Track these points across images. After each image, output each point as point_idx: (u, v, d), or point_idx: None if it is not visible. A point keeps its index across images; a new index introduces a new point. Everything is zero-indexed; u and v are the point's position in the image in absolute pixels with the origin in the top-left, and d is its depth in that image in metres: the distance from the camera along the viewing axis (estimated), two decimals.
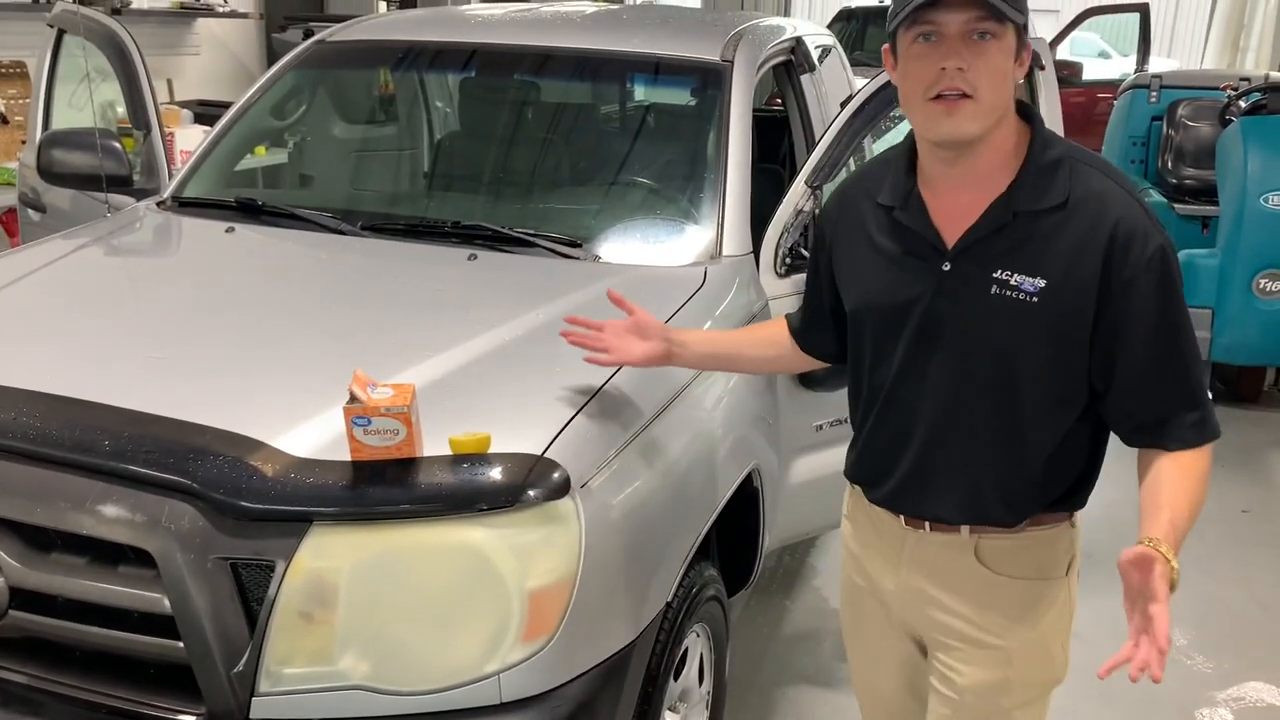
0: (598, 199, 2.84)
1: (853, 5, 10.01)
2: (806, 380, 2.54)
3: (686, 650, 2.10)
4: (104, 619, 1.63)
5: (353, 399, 1.58)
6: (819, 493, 2.59)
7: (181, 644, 1.57)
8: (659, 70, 2.96)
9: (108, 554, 1.63)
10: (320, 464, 1.62)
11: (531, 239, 2.47)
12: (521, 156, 3.04)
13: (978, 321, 1.53)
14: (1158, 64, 9.68)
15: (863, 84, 2.93)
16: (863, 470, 1.76)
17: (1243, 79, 5.46)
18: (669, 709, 2.05)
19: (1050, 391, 1.55)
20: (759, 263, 2.50)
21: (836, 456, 1.95)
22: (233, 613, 1.57)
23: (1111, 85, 7.94)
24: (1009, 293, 1.50)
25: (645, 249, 2.53)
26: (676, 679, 2.07)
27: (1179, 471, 1.51)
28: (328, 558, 1.57)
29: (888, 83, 2.69)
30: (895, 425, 1.66)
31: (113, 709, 1.62)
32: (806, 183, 2.55)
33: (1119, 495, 4.21)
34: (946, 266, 1.54)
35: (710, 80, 2.82)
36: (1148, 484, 1.54)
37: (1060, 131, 3.09)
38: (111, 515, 1.60)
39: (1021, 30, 1.46)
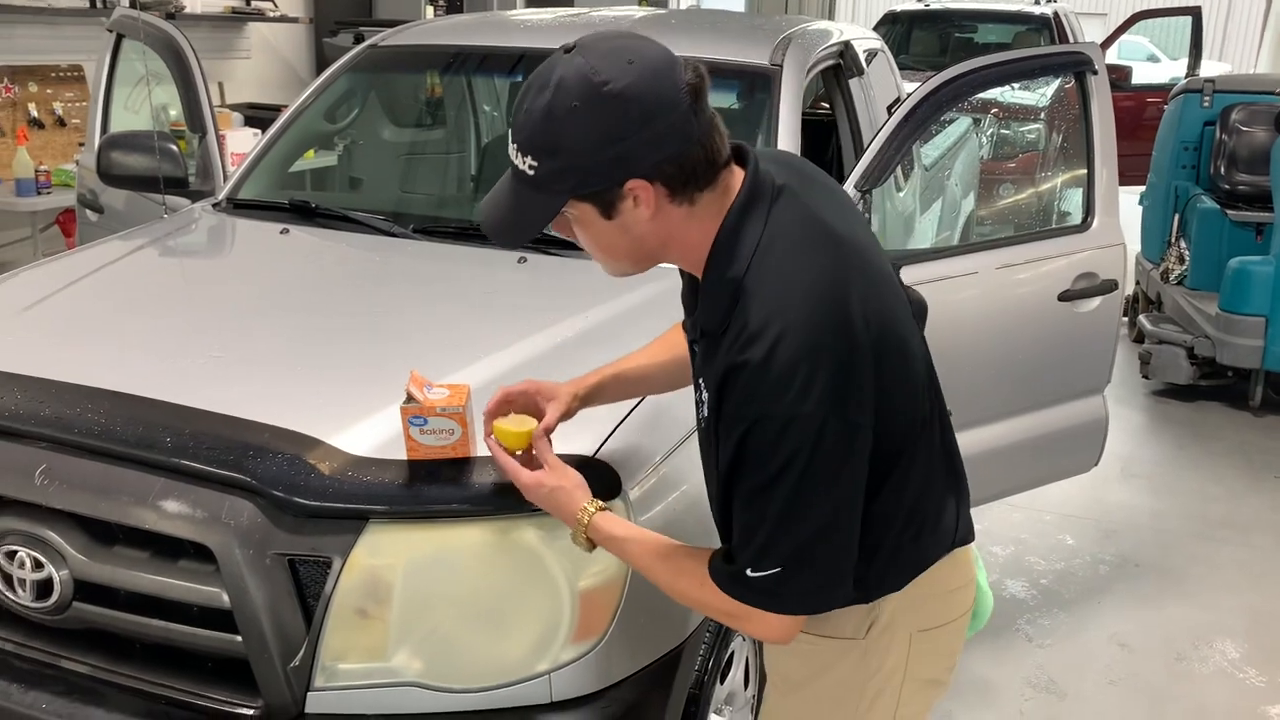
0: None
1: (898, 9, 9.96)
2: None
3: (732, 653, 2.10)
4: (164, 612, 1.67)
5: (409, 399, 1.59)
6: None
7: (239, 638, 1.60)
8: (712, 74, 2.95)
9: (168, 548, 1.66)
10: (377, 463, 1.64)
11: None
12: None
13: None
14: (1209, 67, 9.55)
15: (911, 88, 2.93)
16: None
17: None
18: (715, 712, 2.05)
19: (717, 501, 1.45)
20: None
21: None
22: (290, 608, 1.59)
23: (1161, 89, 7.85)
24: (702, 408, 1.40)
25: None
26: (723, 682, 2.07)
27: (689, 573, 1.40)
28: (383, 555, 1.59)
29: (938, 86, 2.69)
30: None
31: (172, 700, 1.65)
32: (856, 187, 2.55)
33: (1165, 505, 4.19)
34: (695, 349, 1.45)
35: (759, 84, 2.82)
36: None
37: (1112, 136, 3.08)
38: (172, 510, 1.63)
39: (603, 192, 1.26)
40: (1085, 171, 3.06)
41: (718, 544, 1.82)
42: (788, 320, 1.25)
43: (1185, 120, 5.72)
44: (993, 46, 9.04)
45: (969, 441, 2.86)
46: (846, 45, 3.34)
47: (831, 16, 11.38)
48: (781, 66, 2.83)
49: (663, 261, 1.38)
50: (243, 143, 4.86)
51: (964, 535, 1.53)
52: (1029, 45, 8.42)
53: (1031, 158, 4.09)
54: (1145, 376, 5.35)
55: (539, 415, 1.57)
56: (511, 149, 1.29)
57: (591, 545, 1.48)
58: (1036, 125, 4.03)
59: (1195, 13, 8.41)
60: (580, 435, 1.71)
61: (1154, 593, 3.55)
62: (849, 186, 2.54)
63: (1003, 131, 4.19)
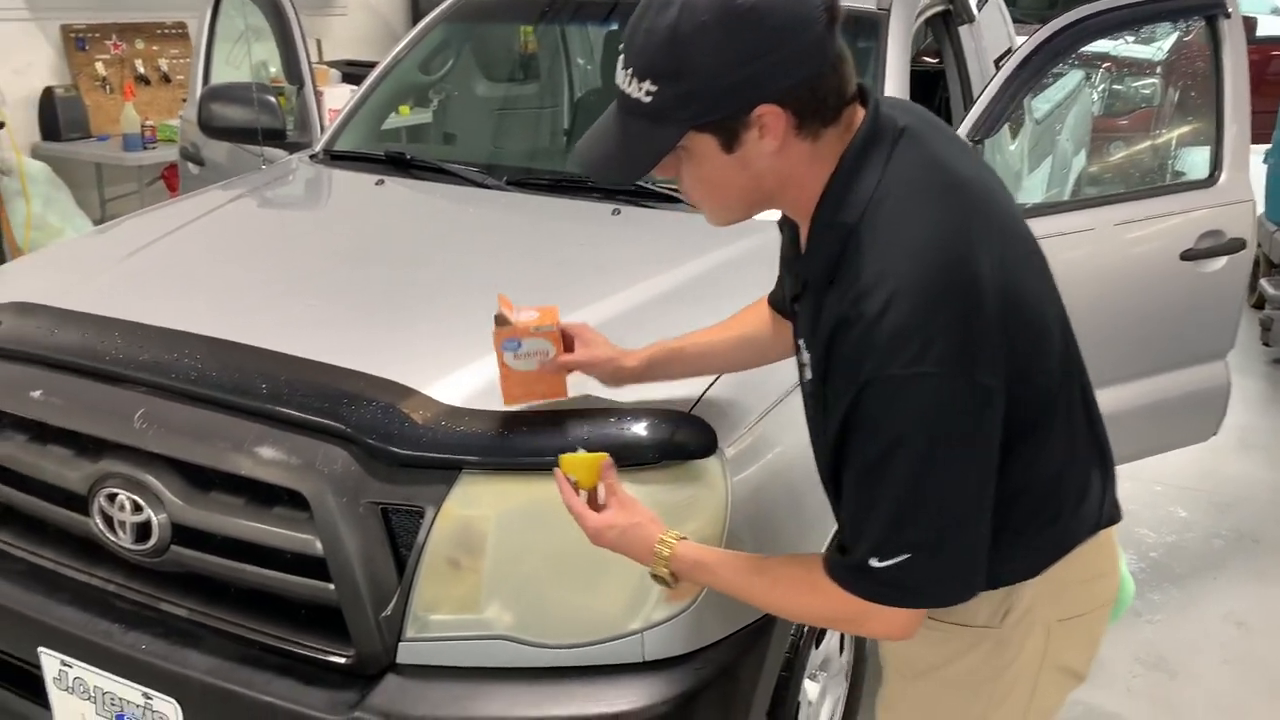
0: None
1: None
2: None
3: None
4: (259, 558, 1.67)
5: (500, 321, 1.56)
6: None
7: (332, 586, 1.60)
8: None
9: (263, 495, 1.66)
10: (470, 413, 1.61)
11: (675, 193, 2.42)
12: None
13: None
14: None
15: (1022, 40, 2.78)
16: None
17: None
18: (809, 677, 1.99)
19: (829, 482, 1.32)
20: None
21: None
22: (382, 557, 1.58)
23: None
24: (805, 369, 1.30)
25: None
26: (818, 646, 2.01)
27: (796, 581, 1.29)
28: (476, 506, 1.56)
29: (1056, 31, 2.54)
30: None
31: (265, 645, 1.66)
32: (967, 137, 2.43)
33: None
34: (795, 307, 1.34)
35: (865, 30, 2.71)
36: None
37: (1245, 85, 2.87)
38: (267, 457, 1.62)
39: (728, 120, 1.14)
40: (1213, 123, 2.88)
41: (810, 517, 1.76)
42: (906, 271, 1.13)
43: None
44: None
45: None
46: None
47: None
48: (889, 11, 2.70)
49: (774, 207, 1.27)
50: (340, 99, 4.85)
51: (1110, 515, 1.40)
52: None
53: (1146, 114, 3.86)
54: (1265, 344, 5.09)
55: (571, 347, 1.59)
56: (623, 75, 1.18)
57: (674, 579, 1.37)
58: (1152, 80, 3.82)
59: None
60: (675, 390, 1.65)
61: (1273, 569, 3.38)
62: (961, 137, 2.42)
63: (1115, 87, 3.98)
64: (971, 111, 2.47)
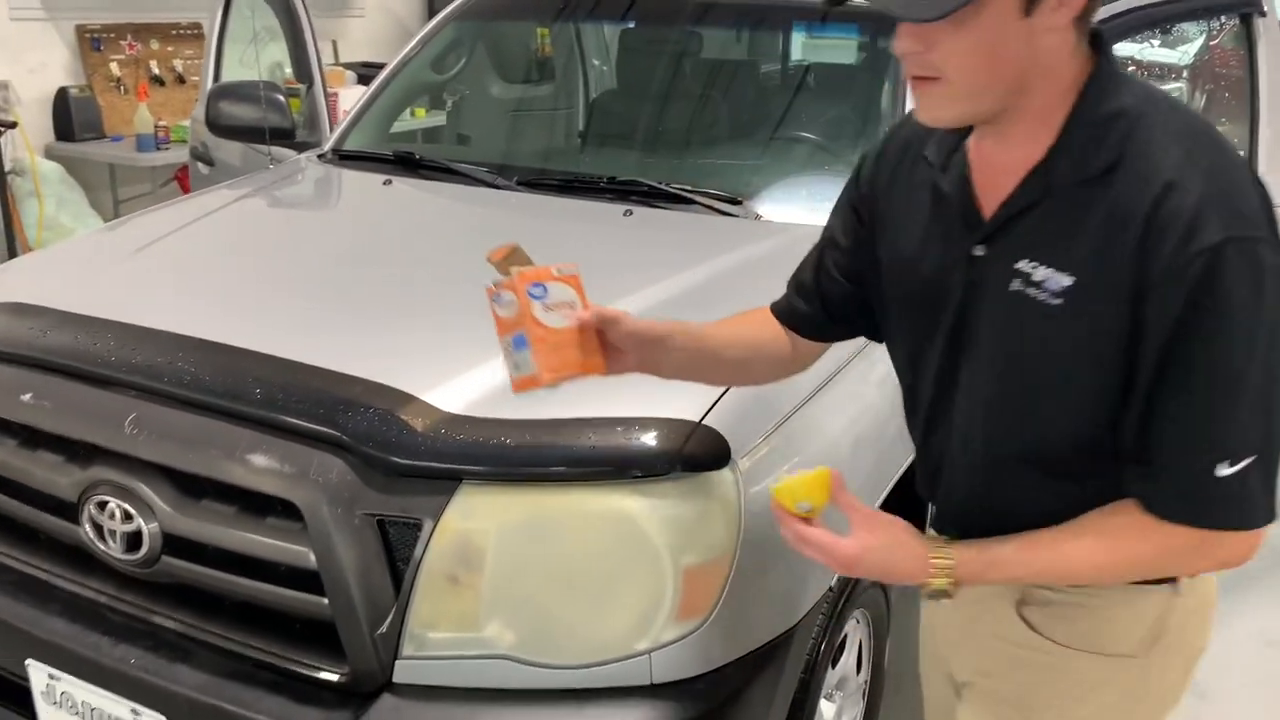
0: (759, 155, 2.69)
1: None
2: None
3: (845, 637, 1.96)
4: (252, 570, 1.61)
5: (505, 272, 1.23)
6: None
7: (326, 600, 1.53)
8: (828, 20, 2.78)
9: (256, 504, 1.59)
10: (472, 421, 1.54)
11: (689, 195, 2.35)
12: (680, 111, 2.91)
13: (999, 326, 1.16)
14: None
15: None
16: (921, 485, 1.39)
17: None
18: (824, 697, 1.92)
19: (1085, 426, 1.14)
20: None
21: None
22: (378, 571, 1.51)
23: None
24: (1030, 291, 1.11)
25: (811, 207, 2.37)
26: (834, 666, 1.94)
27: (1117, 532, 1.13)
28: (476, 519, 1.50)
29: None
30: (939, 439, 1.29)
31: (258, 662, 1.59)
32: None
33: None
34: (980, 250, 1.16)
35: (884, 30, 2.62)
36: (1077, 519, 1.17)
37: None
38: (260, 465, 1.56)
39: None
40: (1246, 127, 2.79)
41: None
42: (1223, 146, 1.06)
43: None
44: None
45: None
46: None
47: None
48: None
49: (1018, 101, 1.08)
50: (355, 100, 4.85)
51: None
52: None
53: None
54: None
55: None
56: None
57: (956, 586, 1.18)
58: (1178, 84, 3.73)
59: None
60: (683, 399, 1.58)
61: None
62: None
63: None
64: None
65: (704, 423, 1.56)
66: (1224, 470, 1.05)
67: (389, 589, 1.51)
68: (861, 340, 1.77)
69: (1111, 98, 1.08)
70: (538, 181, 2.54)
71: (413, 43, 3.12)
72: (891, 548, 1.18)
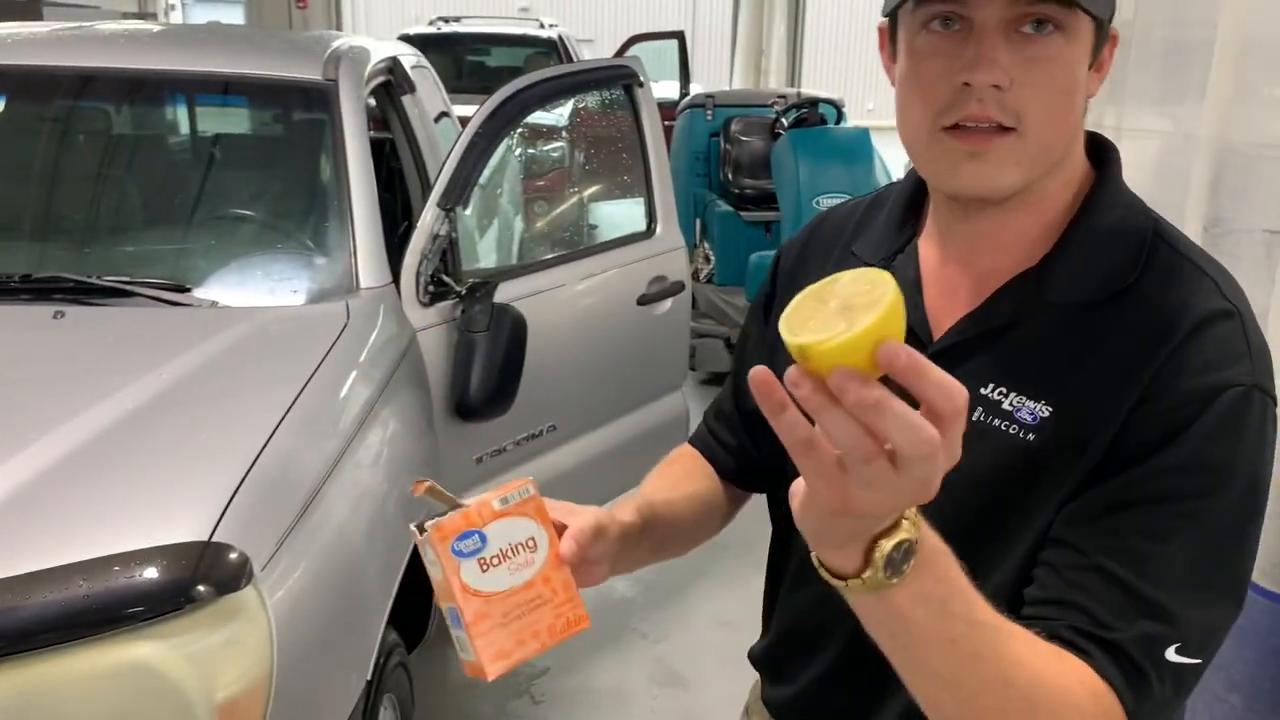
0: (200, 238, 2.50)
1: (410, 31, 9.92)
2: (463, 412, 2.41)
3: None
4: None
5: (425, 519, 0.85)
6: None
7: None
8: (257, 92, 2.68)
9: None
10: None
11: (127, 289, 2.11)
12: (98, 195, 2.61)
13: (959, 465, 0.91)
14: (696, 88, 10.59)
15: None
16: (767, 657, 1.16)
17: (780, 96, 6.08)
18: None
19: (1013, 586, 0.90)
20: (400, 293, 2.33)
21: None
22: None
23: (668, 105, 8.55)
24: (998, 422, 0.90)
25: (270, 288, 2.26)
26: None
27: (1050, 656, 0.80)
28: None
29: (502, 102, 2.63)
30: (812, 597, 1.03)
31: None
32: (439, 205, 2.42)
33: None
34: None
35: (316, 102, 2.59)
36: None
37: (663, 144, 3.23)
38: None
39: (1103, 22, 0.88)
40: (641, 181, 3.19)
41: (358, 622, 1.55)
42: (1238, 287, 0.90)
43: (694, 133, 6.25)
44: (505, 71, 9.31)
45: (571, 453, 2.90)
46: (395, 61, 3.20)
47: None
48: (337, 81, 2.62)
49: (1040, 185, 0.90)
50: None
51: None
52: (541, 68, 8.74)
53: (561, 174, 4.22)
54: (692, 369, 5.77)
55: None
56: None
57: (914, 564, 0.73)
58: (560, 143, 4.16)
59: (680, 36, 9.26)
60: (177, 516, 1.41)
61: (742, 569, 3.80)
62: (432, 204, 2.40)
63: (530, 150, 4.29)
64: (439, 181, 2.47)
65: (214, 541, 1.41)
66: (1173, 654, 0.82)
67: None
68: (355, 419, 1.72)
69: (1128, 206, 0.93)
70: None
71: None
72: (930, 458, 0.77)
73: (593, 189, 3.71)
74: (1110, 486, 0.85)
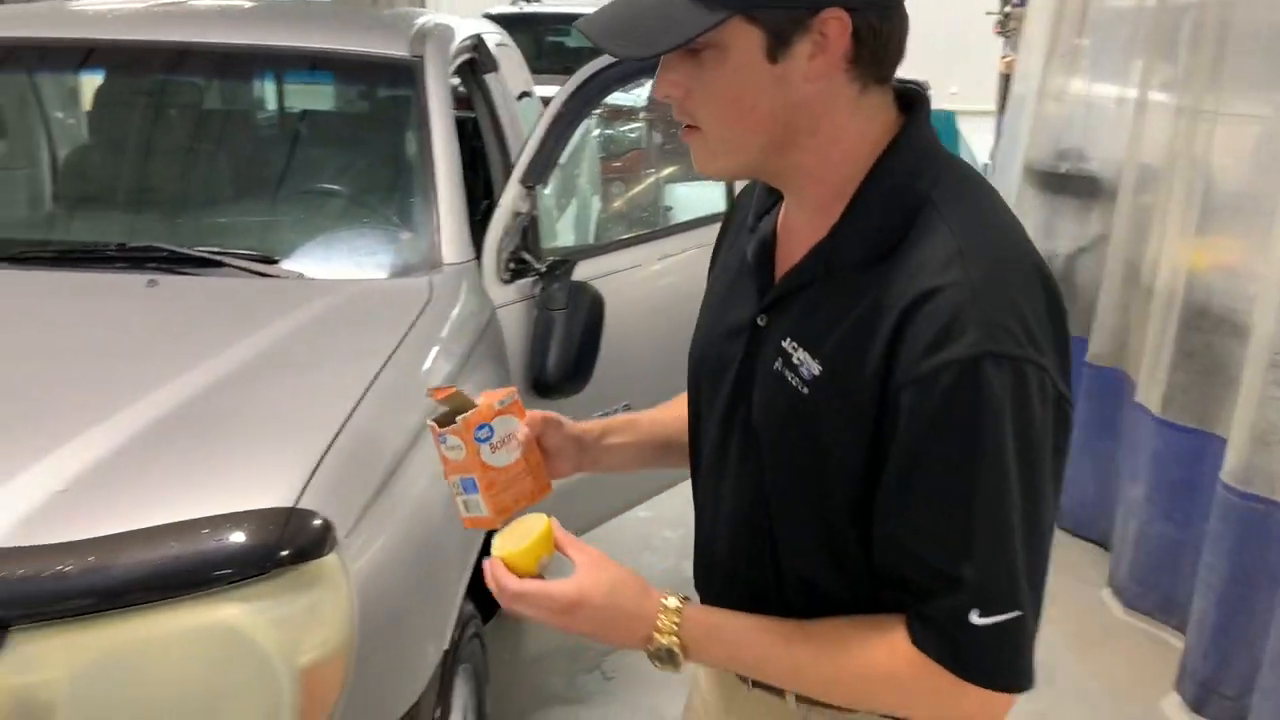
0: (286, 211, 2.54)
1: (494, 10, 9.97)
2: (540, 388, 2.41)
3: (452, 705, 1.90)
4: None
5: (445, 420, 1.16)
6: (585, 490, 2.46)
7: None
8: (345, 68, 2.71)
9: None
10: (9, 553, 1.27)
11: (221, 259, 2.16)
12: (189, 168, 2.66)
13: (762, 405, 1.05)
14: None
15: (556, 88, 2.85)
16: (695, 575, 1.25)
17: None
18: None
19: (816, 528, 1.02)
20: (481, 270, 2.34)
21: None
22: None
23: None
24: (787, 374, 1.01)
25: (357, 262, 2.28)
26: None
27: (850, 624, 0.99)
28: (38, 670, 1.24)
29: (584, 82, 2.62)
30: (705, 524, 1.18)
31: None
32: (521, 182, 2.42)
33: None
34: (762, 320, 1.06)
35: (402, 77, 2.61)
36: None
37: None
38: None
39: (790, 13, 0.94)
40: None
41: (437, 590, 1.58)
42: (1007, 246, 0.95)
43: None
44: (585, 52, 9.26)
45: None
46: (479, 39, 3.21)
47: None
48: (424, 58, 2.63)
49: (788, 158, 0.99)
50: None
51: None
52: None
53: (639, 155, 4.20)
54: None
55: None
56: None
57: (685, 654, 1.00)
58: (638, 124, 4.14)
59: None
60: (268, 484, 1.43)
61: None
62: (514, 182, 2.41)
63: (608, 131, 4.28)
64: (521, 159, 2.47)
65: (299, 507, 1.43)
66: (976, 618, 0.91)
67: None
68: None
69: (907, 173, 0.98)
70: (25, 255, 2.18)
71: None
72: (615, 587, 1.02)
73: (669, 170, 3.69)
74: (890, 462, 0.93)
